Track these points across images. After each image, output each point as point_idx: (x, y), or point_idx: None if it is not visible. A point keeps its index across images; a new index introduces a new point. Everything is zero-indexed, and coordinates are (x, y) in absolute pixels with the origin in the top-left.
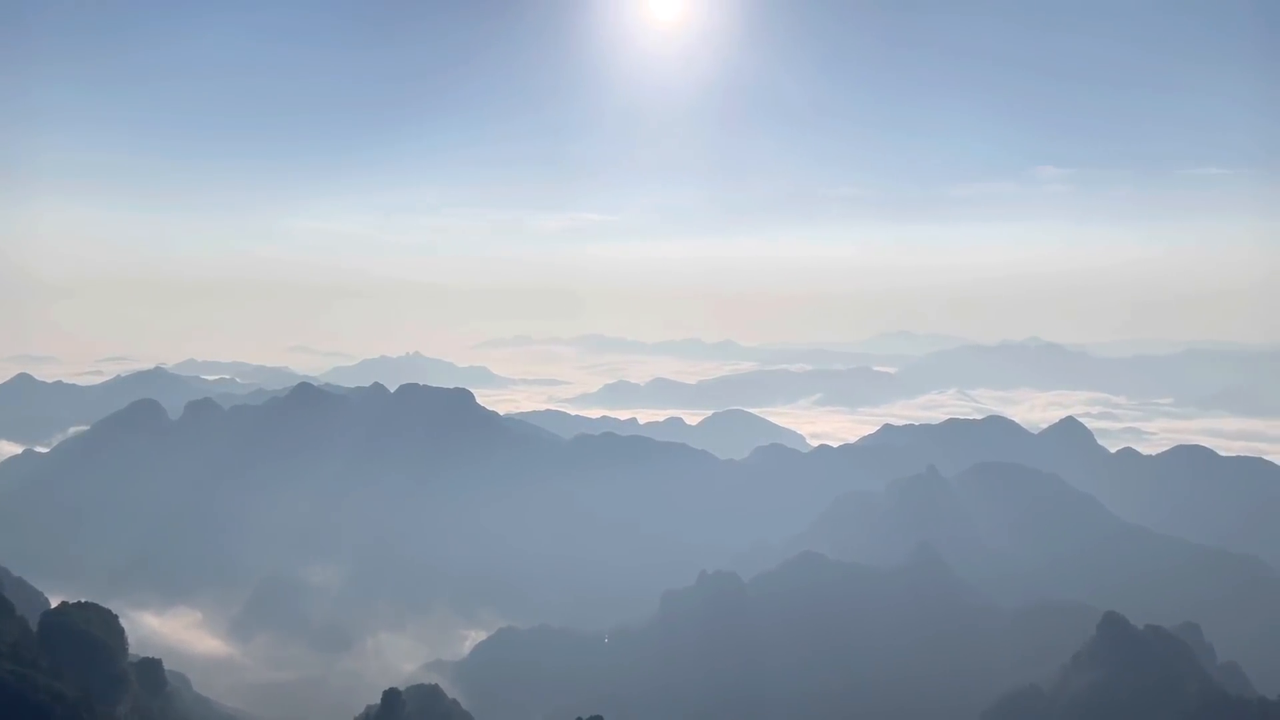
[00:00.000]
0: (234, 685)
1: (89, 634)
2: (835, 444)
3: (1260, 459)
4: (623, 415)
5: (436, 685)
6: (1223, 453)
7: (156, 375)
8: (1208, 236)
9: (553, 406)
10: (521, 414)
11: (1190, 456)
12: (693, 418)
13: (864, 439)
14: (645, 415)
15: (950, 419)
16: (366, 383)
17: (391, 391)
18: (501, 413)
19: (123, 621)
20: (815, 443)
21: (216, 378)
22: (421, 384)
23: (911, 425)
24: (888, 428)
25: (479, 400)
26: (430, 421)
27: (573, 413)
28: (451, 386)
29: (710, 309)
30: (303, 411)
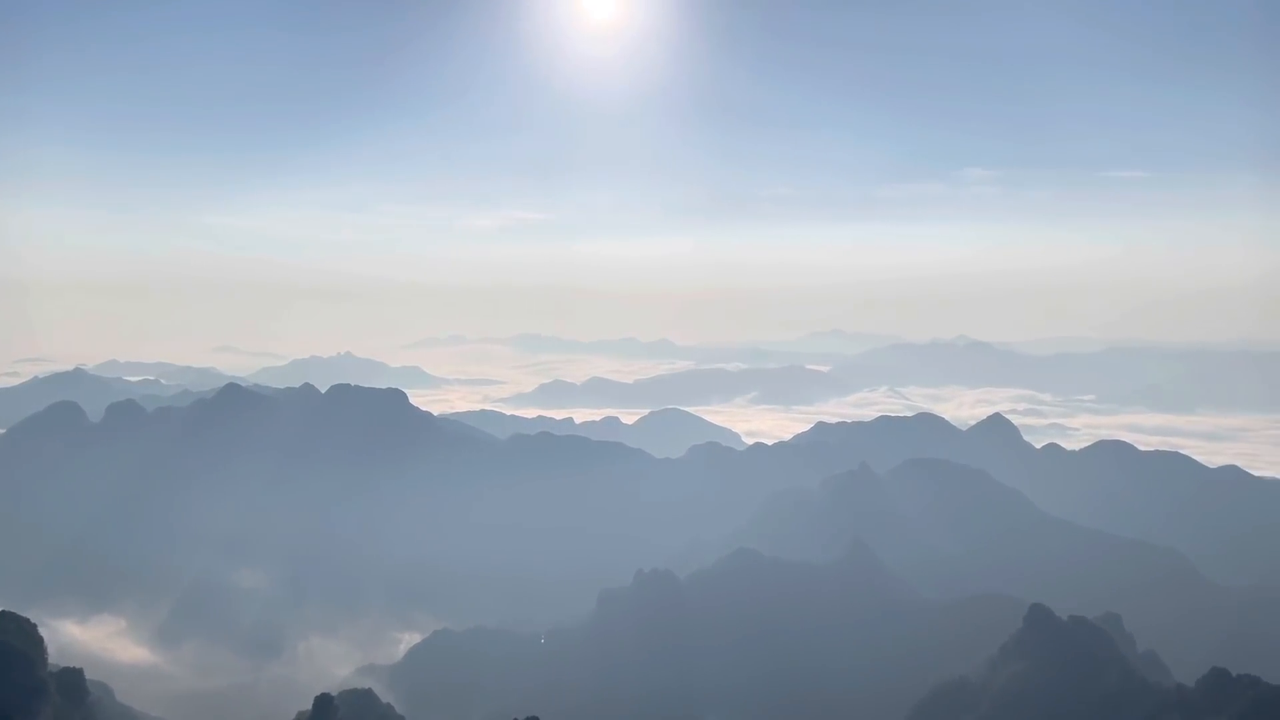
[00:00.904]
0: (159, 694)
1: (5, 643)
2: (770, 442)
3: (1178, 453)
4: (559, 415)
5: (370, 689)
6: (1142, 448)
7: (76, 376)
8: (1127, 237)
9: (488, 406)
10: (456, 414)
11: (1112, 451)
12: (629, 417)
13: (798, 437)
14: (581, 415)
15: (882, 416)
16: (296, 383)
17: (323, 392)
18: (436, 413)
19: (42, 630)
20: (750, 441)
21: (140, 379)
22: (353, 384)
23: (844, 423)
24: (821, 425)
25: (413, 400)
26: (362, 422)
27: (508, 412)
28: (384, 387)
29: (646, 308)
30: (230, 413)
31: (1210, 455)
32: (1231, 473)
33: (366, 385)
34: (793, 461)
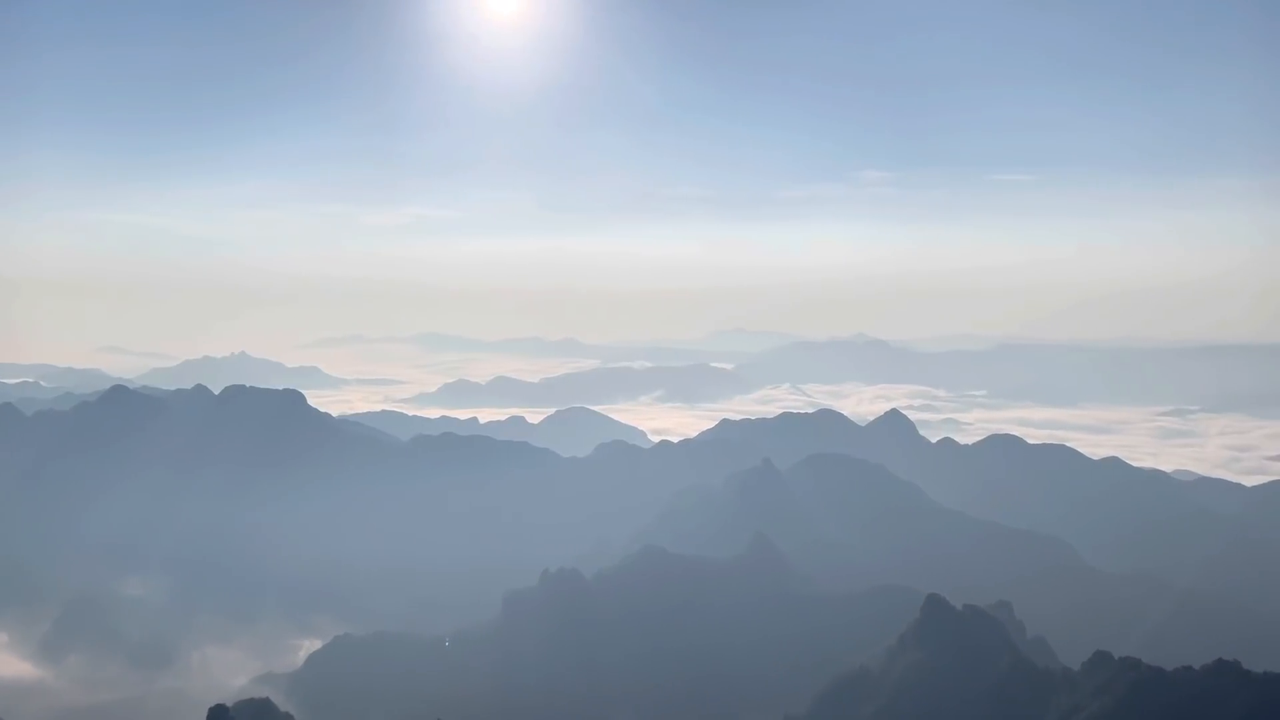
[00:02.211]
0: (44, 710)
1: None
2: (676, 440)
3: (1064, 446)
4: (463, 415)
5: (268, 699)
6: (1031, 441)
7: None
8: (1015, 237)
9: (389, 407)
10: (356, 415)
11: (1002, 445)
12: (535, 416)
13: (703, 434)
14: (486, 414)
15: (784, 413)
16: (188, 384)
17: (216, 394)
18: (335, 414)
19: None
20: (656, 439)
21: (18, 381)
22: (248, 385)
23: (748, 420)
24: (725, 422)
25: (311, 401)
26: (258, 424)
27: (410, 413)
28: (281, 387)
29: (552, 307)
30: (117, 416)
31: (1094, 447)
32: (1113, 464)
33: (262, 386)
34: (698, 459)
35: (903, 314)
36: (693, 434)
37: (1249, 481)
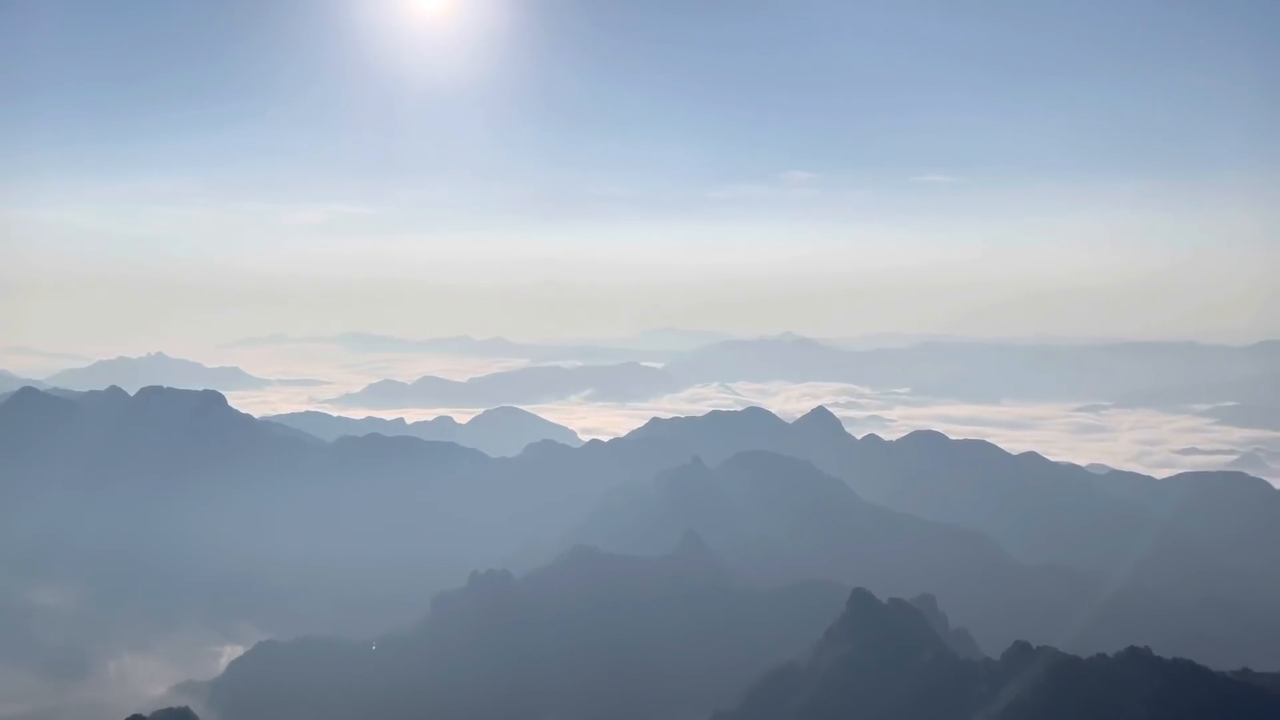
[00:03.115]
0: None
1: None
2: (606, 439)
3: (984, 441)
4: (389, 415)
5: (187, 708)
6: (953, 437)
7: None
8: (936, 237)
9: (313, 407)
10: (279, 416)
11: (925, 441)
12: (463, 416)
13: (633, 433)
14: (413, 415)
15: (713, 411)
16: (102, 386)
17: (131, 395)
18: (257, 415)
19: None
20: (586, 438)
21: None
22: (166, 386)
23: (678, 418)
24: (655, 421)
25: (231, 402)
26: (176, 426)
27: (335, 413)
28: (200, 388)
29: (479, 306)
30: (26, 419)
31: (1013, 443)
32: (1031, 459)
33: (180, 388)
34: (628, 457)
35: (829, 313)
36: (623, 433)
37: (1159, 474)
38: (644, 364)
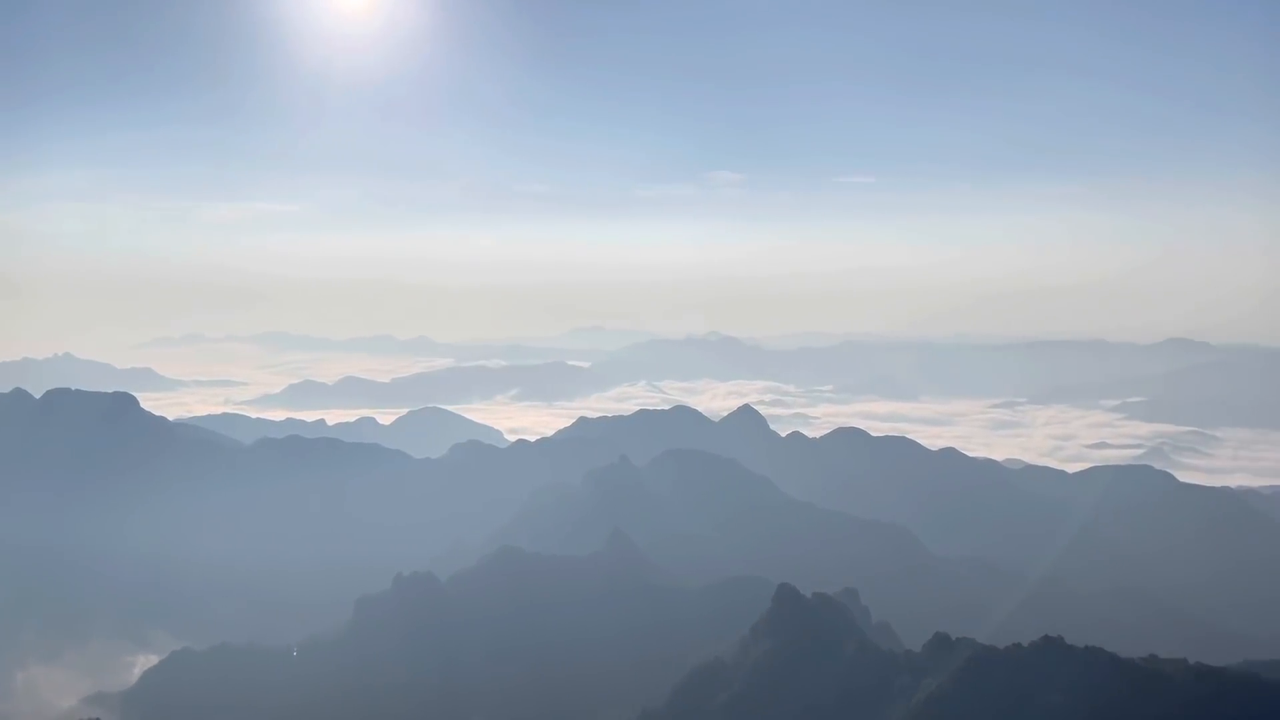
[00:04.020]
0: None
1: None
2: (533, 438)
3: (905, 438)
4: (309, 416)
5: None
6: (874, 434)
7: None
8: (858, 237)
9: (230, 409)
10: (194, 418)
11: (848, 438)
12: (386, 417)
13: (560, 432)
14: (334, 416)
15: (641, 410)
16: (5, 388)
17: (37, 398)
18: (171, 417)
19: None
20: (513, 438)
21: None
22: (74, 388)
23: (605, 417)
24: (583, 420)
25: (144, 405)
26: (85, 430)
27: (253, 415)
28: (111, 390)
29: (403, 304)
30: None
31: (932, 439)
32: (950, 454)
33: (90, 390)
34: (555, 457)
35: (754, 313)
36: (550, 432)
37: (1071, 468)
38: (571, 363)
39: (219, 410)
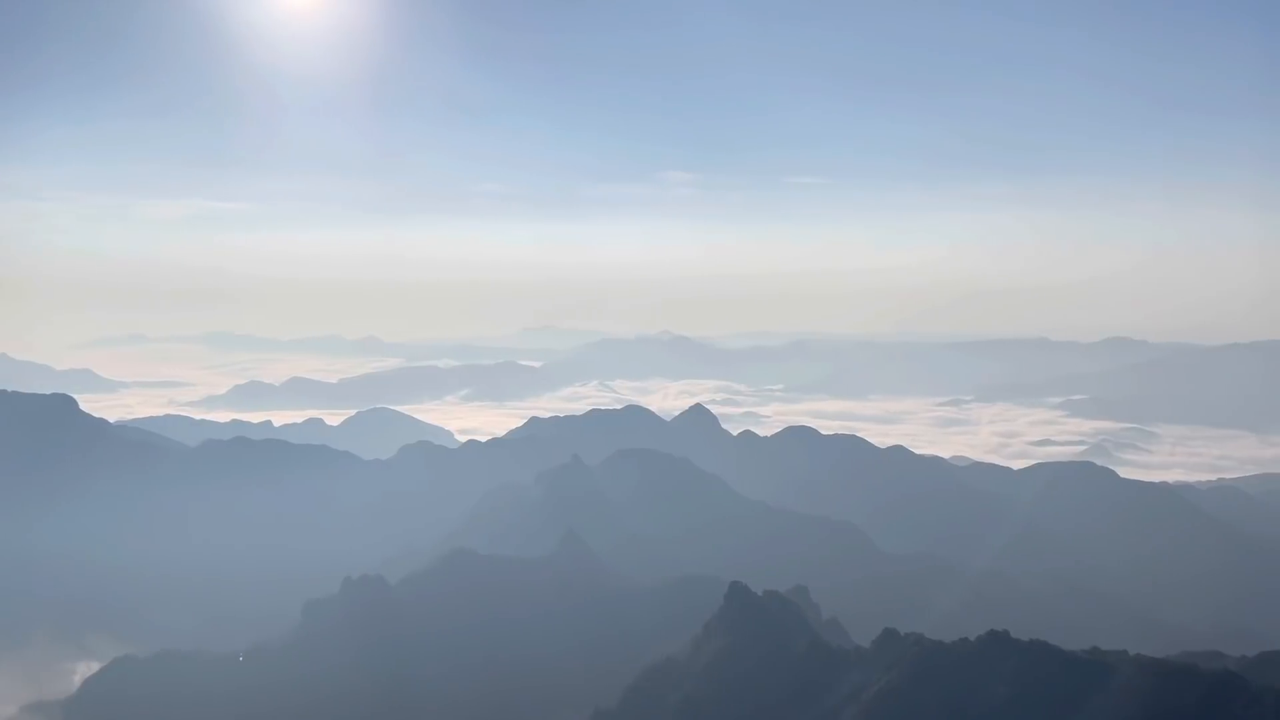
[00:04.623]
0: None
1: None
2: (484, 439)
3: (854, 435)
4: (256, 418)
5: None
6: (824, 432)
7: None
8: (808, 237)
9: (174, 411)
10: (136, 420)
11: (798, 436)
12: (334, 418)
13: (511, 432)
14: (281, 417)
15: (593, 409)
16: None
17: None
18: (112, 419)
19: None
20: (464, 438)
21: None
22: (10, 390)
23: (557, 417)
24: (534, 420)
25: (83, 406)
26: (22, 432)
27: (198, 417)
28: (49, 392)
29: (350, 304)
30: None
31: (880, 437)
32: (898, 452)
33: (26, 391)
34: (507, 457)
35: (706, 312)
36: (501, 433)
37: (1016, 465)
38: (522, 363)
39: (162, 412)
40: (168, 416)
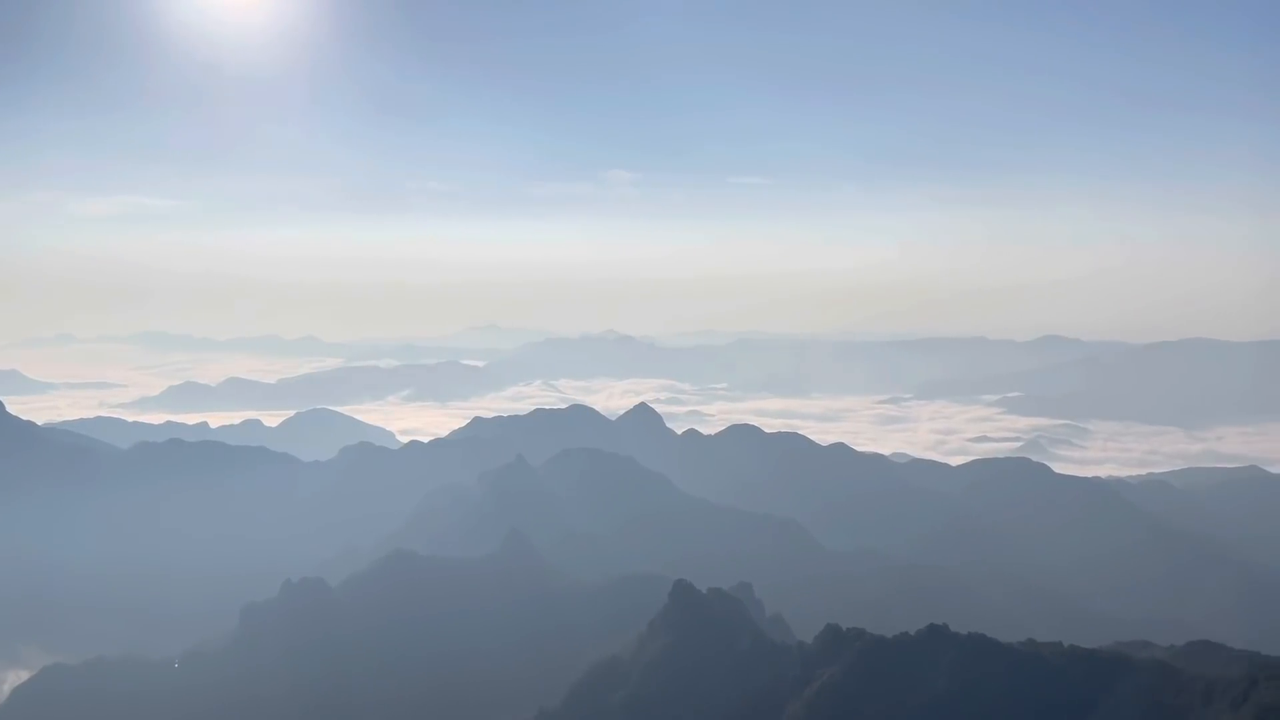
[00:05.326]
0: None
1: None
2: (426, 439)
3: (797, 433)
4: (191, 419)
5: None
6: (767, 430)
7: None
8: (752, 235)
9: (106, 412)
10: (66, 422)
11: (742, 434)
12: (272, 419)
13: (455, 433)
14: (218, 418)
15: (537, 409)
16: None
17: None
18: (40, 421)
19: None
20: (406, 439)
21: None
22: None
23: (500, 417)
24: (478, 420)
25: (10, 408)
26: None
27: (131, 418)
28: None
29: (289, 303)
30: None
31: (822, 434)
32: (840, 449)
33: None
34: (450, 458)
35: (650, 311)
36: (444, 433)
37: (954, 461)
38: (465, 362)
39: (93, 414)
40: (99, 418)
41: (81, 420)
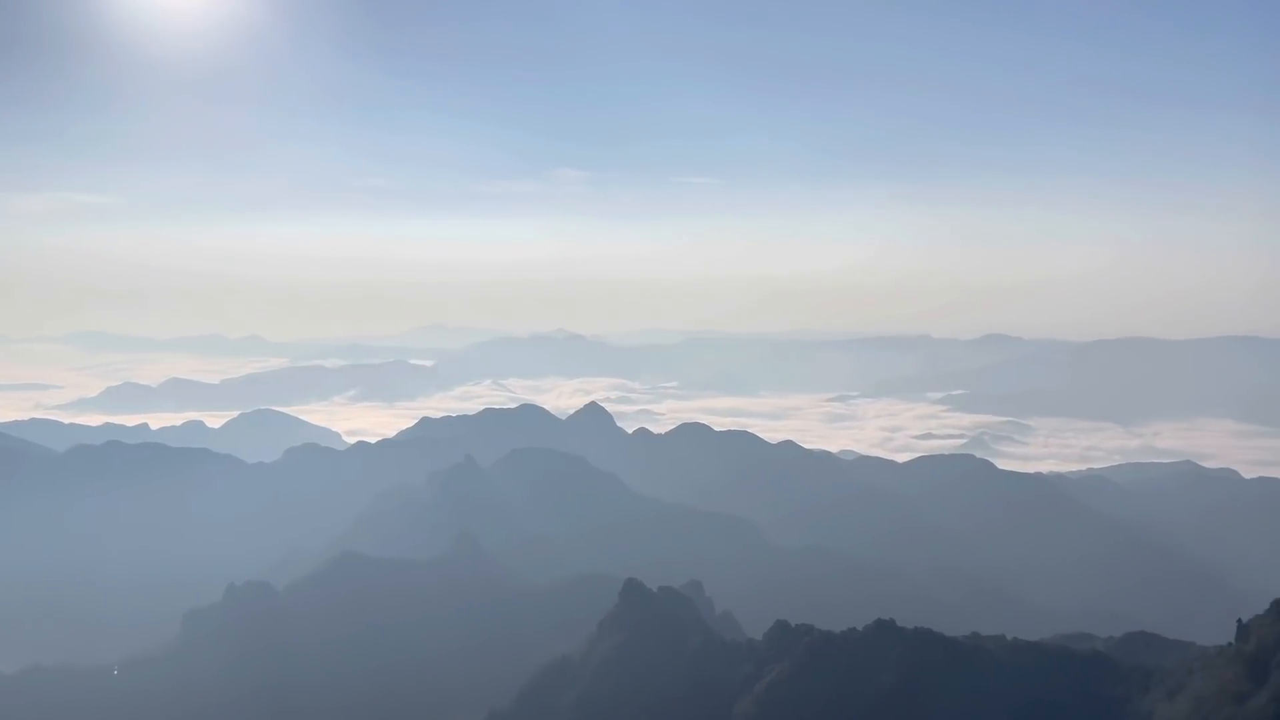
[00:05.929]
0: None
1: None
2: (373, 440)
3: (745, 431)
4: (130, 421)
5: None
6: (717, 428)
7: None
8: (700, 237)
9: (41, 414)
10: (0, 424)
11: (691, 433)
12: (215, 420)
13: (402, 433)
14: (158, 420)
15: (486, 409)
16: None
17: None
18: None
19: None
20: (352, 440)
21: None
22: None
23: (449, 417)
24: (426, 420)
25: None
26: None
27: (67, 421)
28: None
29: (232, 302)
30: None
31: (771, 432)
32: (789, 447)
33: None
34: (397, 459)
35: (599, 310)
36: (391, 433)
37: (900, 458)
38: (413, 362)
39: (27, 416)
40: (34, 421)
41: (16, 423)
